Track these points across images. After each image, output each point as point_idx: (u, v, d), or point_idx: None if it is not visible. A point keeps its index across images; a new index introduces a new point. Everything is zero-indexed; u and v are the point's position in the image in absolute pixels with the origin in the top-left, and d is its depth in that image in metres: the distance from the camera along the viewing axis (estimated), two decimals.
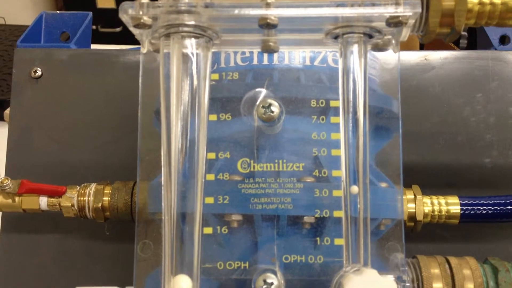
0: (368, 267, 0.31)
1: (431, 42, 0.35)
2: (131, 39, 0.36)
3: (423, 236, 0.43)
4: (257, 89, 0.36)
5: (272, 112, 0.34)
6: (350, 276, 0.30)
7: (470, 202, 0.42)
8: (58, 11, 0.57)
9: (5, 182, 0.43)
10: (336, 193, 0.34)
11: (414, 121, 0.49)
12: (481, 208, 0.42)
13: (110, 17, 1.49)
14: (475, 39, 0.59)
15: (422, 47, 0.85)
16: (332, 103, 0.36)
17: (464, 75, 0.50)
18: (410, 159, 0.48)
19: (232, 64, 0.38)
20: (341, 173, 0.33)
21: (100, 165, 0.50)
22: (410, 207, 0.41)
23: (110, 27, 1.55)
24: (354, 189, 0.32)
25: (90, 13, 0.57)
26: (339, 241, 0.34)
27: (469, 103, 0.49)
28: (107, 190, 0.43)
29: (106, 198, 0.42)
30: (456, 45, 0.85)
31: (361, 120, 0.32)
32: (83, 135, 0.51)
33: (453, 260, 0.37)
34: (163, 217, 0.32)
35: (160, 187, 0.32)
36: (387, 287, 0.29)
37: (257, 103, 0.35)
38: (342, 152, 0.33)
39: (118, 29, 1.54)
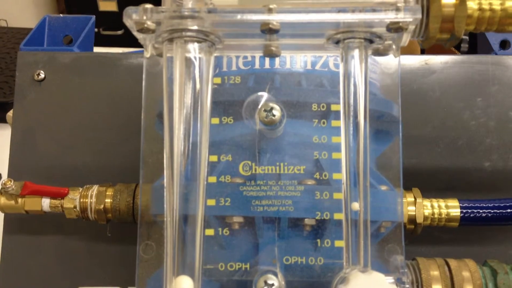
0: (369, 269, 0.31)
1: (432, 46, 0.35)
2: (133, 41, 0.36)
3: (423, 239, 0.43)
4: (259, 93, 0.36)
5: (274, 115, 0.35)
6: (357, 274, 0.30)
7: (470, 205, 0.42)
8: (61, 15, 0.58)
9: (8, 183, 0.43)
10: (336, 195, 0.35)
11: (414, 125, 0.49)
12: (481, 211, 0.42)
13: (112, 20, 1.49)
14: (475, 43, 0.59)
15: (423, 51, 0.85)
16: (333, 107, 0.36)
17: (464, 80, 0.50)
18: (410, 163, 0.48)
19: (234, 68, 0.38)
20: (342, 176, 0.33)
21: (102, 167, 0.50)
22: (410, 210, 0.41)
23: (112, 29, 1.55)
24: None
25: (93, 17, 0.58)
26: (339, 243, 0.35)
27: (469, 107, 0.49)
28: (109, 192, 0.43)
29: (108, 200, 0.43)
30: (457, 49, 0.85)
31: (362, 124, 0.32)
32: (86, 137, 0.51)
33: (453, 262, 0.37)
34: (165, 219, 0.32)
35: (162, 189, 0.32)
36: None
37: (259, 106, 0.35)
38: (342, 155, 0.33)
39: (120, 32, 1.55)
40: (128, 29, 0.32)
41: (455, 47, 0.90)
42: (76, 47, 0.53)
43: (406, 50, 0.41)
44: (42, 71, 0.52)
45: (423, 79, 0.50)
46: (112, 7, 1.59)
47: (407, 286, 0.35)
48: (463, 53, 0.83)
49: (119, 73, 0.52)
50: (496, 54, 0.54)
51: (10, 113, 0.72)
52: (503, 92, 0.50)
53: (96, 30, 0.59)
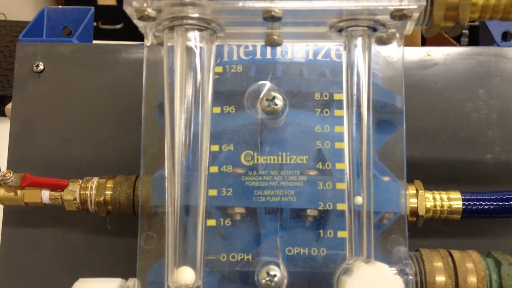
0: (372, 260, 0.31)
1: (432, 38, 0.35)
2: (132, 36, 0.35)
3: (424, 231, 0.43)
4: (261, 82, 0.36)
5: (276, 105, 0.34)
6: (361, 264, 0.30)
7: (472, 197, 0.42)
8: (60, 6, 0.57)
9: (7, 175, 0.43)
10: (339, 186, 0.35)
11: (416, 117, 0.49)
12: (483, 203, 0.42)
13: (111, 13, 1.49)
14: (477, 35, 0.59)
15: (423, 43, 0.85)
16: (336, 96, 0.36)
17: (466, 71, 0.50)
18: (412, 155, 0.48)
19: (235, 58, 0.38)
20: (345, 166, 0.33)
21: (102, 159, 0.50)
22: (412, 202, 0.41)
23: (110, 23, 1.55)
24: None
25: (92, 8, 0.57)
26: (342, 234, 0.34)
27: (472, 99, 0.49)
28: (109, 184, 0.43)
29: (108, 192, 0.43)
30: (458, 42, 0.85)
31: (365, 114, 0.32)
32: (85, 129, 0.51)
33: (456, 254, 0.37)
34: (166, 210, 0.32)
35: (163, 180, 0.32)
36: (394, 284, 0.29)
37: (261, 96, 0.35)
38: (345, 145, 0.33)
39: (118, 26, 1.54)
40: (127, 23, 0.32)
41: (456, 41, 0.90)
42: (75, 39, 0.53)
43: (407, 42, 0.41)
44: (41, 63, 0.51)
45: (425, 71, 0.50)
46: (111, 1, 1.58)
47: (411, 277, 0.34)
48: (463, 46, 0.83)
49: (119, 65, 0.52)
50: (498, 45, 0.54)
51: (9, 106, 0.72)
52: (505, 84, 0.49)
53: (95, 24, 0.58)
